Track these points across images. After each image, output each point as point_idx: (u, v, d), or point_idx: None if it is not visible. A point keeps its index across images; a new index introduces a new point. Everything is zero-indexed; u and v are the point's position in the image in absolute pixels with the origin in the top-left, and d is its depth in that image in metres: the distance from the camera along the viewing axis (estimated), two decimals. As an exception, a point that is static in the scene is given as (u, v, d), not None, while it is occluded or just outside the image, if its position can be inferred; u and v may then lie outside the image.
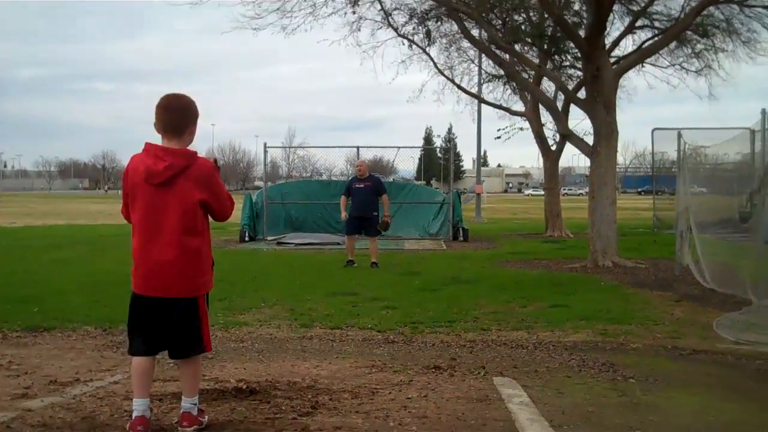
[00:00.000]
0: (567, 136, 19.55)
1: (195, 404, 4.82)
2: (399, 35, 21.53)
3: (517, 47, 20.94)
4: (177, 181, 4.62)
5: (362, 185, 15.56)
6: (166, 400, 5.46)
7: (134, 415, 4.67)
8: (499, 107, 27.74)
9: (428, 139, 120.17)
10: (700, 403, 5.69)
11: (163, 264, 4.65)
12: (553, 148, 26.58)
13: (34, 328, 8.71)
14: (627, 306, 10.50)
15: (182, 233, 4.65)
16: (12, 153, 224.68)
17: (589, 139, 17.30)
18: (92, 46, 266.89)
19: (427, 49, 23.30)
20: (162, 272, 4.66)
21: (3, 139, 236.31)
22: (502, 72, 25.65)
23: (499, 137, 28.88)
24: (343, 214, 16.10)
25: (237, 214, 15.27)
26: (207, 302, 4.86)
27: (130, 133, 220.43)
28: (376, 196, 15.49)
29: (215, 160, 4.97)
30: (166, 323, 4.72)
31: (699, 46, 22.49)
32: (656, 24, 21.59)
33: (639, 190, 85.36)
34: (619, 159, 24.07)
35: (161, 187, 4.63)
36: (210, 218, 4.85)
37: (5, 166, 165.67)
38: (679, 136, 15.01)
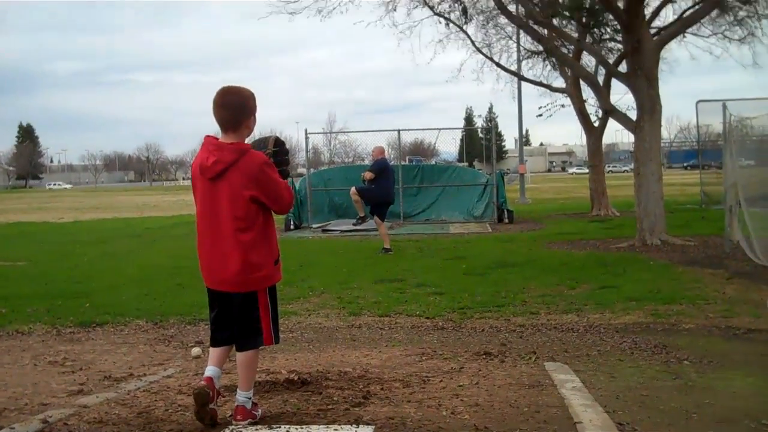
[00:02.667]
0: (609, 111, 19.27)
1: (249, 398, 4.85)
2: (435, 14, 21.42)
3: (555, 21, 20.63)
4: (227, 175, 4.65)
5: None
6: (220, 393, 5.49)
7: (204, 375, 4.82)
8: (540, 84, 27.50)
9: (469, 119, 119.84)
10: (756, 385, 5.59)
11: (219, 258, 4.74)
12: (596, 124, 26.29)
13: (87, 324, 8.85)
14: (677, 285, 10.37)
15: (235, 228, 4.68)
16: (57, 148, 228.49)
17: (632, 114, 17.08)
18: (128, 37, 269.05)
19: (464, 27, 23.19)
20: (218, 266, 4.76)
21: (47, 134, 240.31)
22: (541, 48, 25.37)
23: (540, 115, 28.71)
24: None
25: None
26: (272, 296, 4.87)
27: (173, 125, 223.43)
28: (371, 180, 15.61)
29: (276, 140, 4.98)
30: (228, 315, 4.83)
31: (741, 13, 21.96)
32: (696, -9, 21.20)
33: (685, 164, 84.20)
34: (664, 133, 23.80)
35: (213, 181, 4.69)
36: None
37: (51, 161, 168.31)
38: (724, 107, 14.71)
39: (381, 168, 15.56)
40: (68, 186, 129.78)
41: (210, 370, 4.81)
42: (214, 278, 4.81)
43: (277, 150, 4.98)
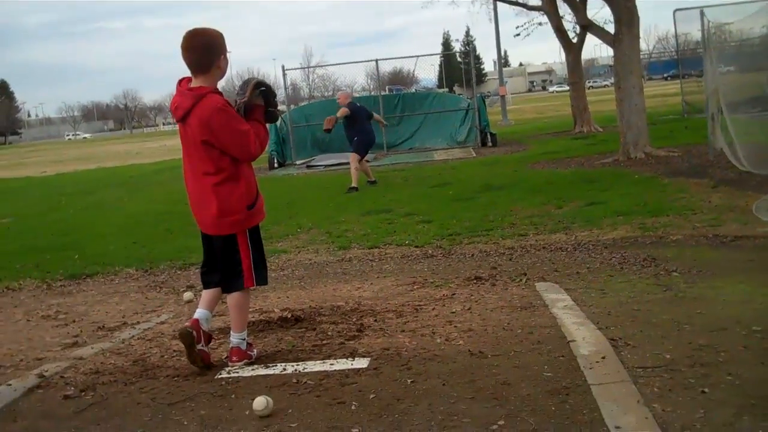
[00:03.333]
0: (587, 26, 19.12)
1: (243, 339, 4.87)
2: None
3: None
4: (188, 120, 4.65)
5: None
6: (213, 336, 5.50)
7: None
8: (515, 3, 27.26)
9: (447, 44, 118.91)
10: (746, 291, 5.63)
11: (197, 200, 4.80)
12: (574, 40, 26.10)
13: (77, 276, 8.83)
14: (663, 197, 10.41)
15: (201, 172, 4.69)
16: (34, 101, 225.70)
17: (610, 28, 16.93)
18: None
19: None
20: (197, 208, 4.82)
21: (23, 89, 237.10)
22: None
23: (518, 35, 28.56)
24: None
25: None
26: (253, 238, 4.84)
27: (149, 70, 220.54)
28: (354, 124, 15.25)
29: (258, 83, 4.88)
30: (214, 257, 4.87)
31: None
32: None
33: (665, 75, 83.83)
34: (642, 45, 23.58)
35: (182, 125, 4.72)
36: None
37: (29, 115, 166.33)
38: (702, 14, 14.56)
39: (353, 113, 15.29)
40: (88, 135, 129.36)
41: (197, 312, 4.83)
42: (197, 219, 4.88)
43: (264, 90, 4.89)
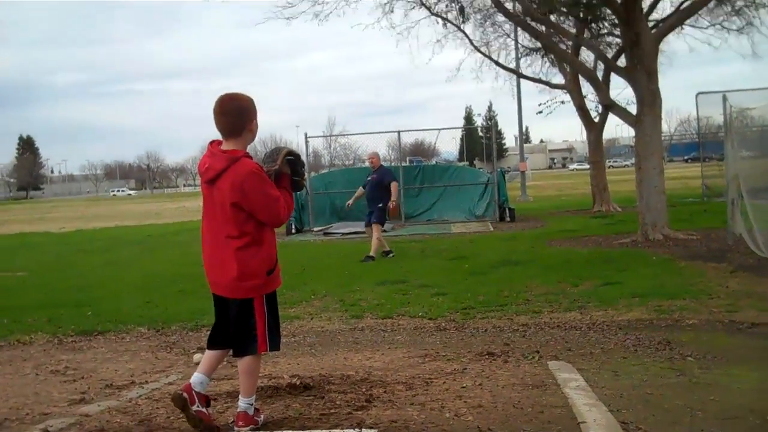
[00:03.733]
0: (609, 106, 19.21)
1: (251, 404, 4.83)
2: (432, 14, 21.42)
3: (552, 17, 20.57)
4: (218, 182, 4.69)
5: (371, 178, 15.28)
6: (221, 400, 5.46)
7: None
8: (539, 81, 27.50)
9: (469, 118, 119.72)
10: (761, 379, 5.56)
11: (216, 261, 4.79)
12: (596, 119, 26.23)
13: (89, 332, 8.82)
14: (681, 280, 10.34)
15: (225, 234, 4.71)
16: (57, 158, 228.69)
17: (632, 109, 17.05)
18: (126, 47, 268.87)
19: (462, 26, 23.21)
20: (214, 270, 4.81)
21: (47, 145, 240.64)
22: (539, 45, 25.36)
23: (540, 112, 28.67)
24: (348, 203, 16.12)
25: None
26: (270, 303, 4.85)
27: (173, 132, 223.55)
28: (382, 189, 14.98)
29: (289, 152, 4.96)
30: (226, 319, 4.85)
31: (739, 3, 21.96)
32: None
33: (686, 157, 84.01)
34: (664, 127, 23.77)
35: (209, 186, 4.76)
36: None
37: (52, 171, 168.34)
38: (724, 99, 14.64)
39: (383, 176, 15.26)
40: (132, 192, 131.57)
41: (193, 377, 4.81)
42: (212, 281, 4.86)
43: (292, 159, 4.96)
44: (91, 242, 23.35)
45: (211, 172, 4.71)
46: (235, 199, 4.65)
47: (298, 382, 5.88)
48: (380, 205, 14.97)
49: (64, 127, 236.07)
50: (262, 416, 4.93)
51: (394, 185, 15.06)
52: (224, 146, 4.79)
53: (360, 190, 15.72)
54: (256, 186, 4.67)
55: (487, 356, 6.66)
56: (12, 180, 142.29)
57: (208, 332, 5.09)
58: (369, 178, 15.36)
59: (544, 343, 7.21)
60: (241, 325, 4.79)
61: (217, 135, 4.88)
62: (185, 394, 4.68)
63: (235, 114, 4.78)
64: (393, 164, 20.51)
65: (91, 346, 8.23)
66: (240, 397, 4.86)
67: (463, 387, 5.63)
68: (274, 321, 4.88)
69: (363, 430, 4.69)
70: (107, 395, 5.97)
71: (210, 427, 4.74)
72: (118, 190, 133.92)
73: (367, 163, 16.44)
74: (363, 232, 20.91)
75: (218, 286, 4.83)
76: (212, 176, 4.70)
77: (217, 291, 4.85)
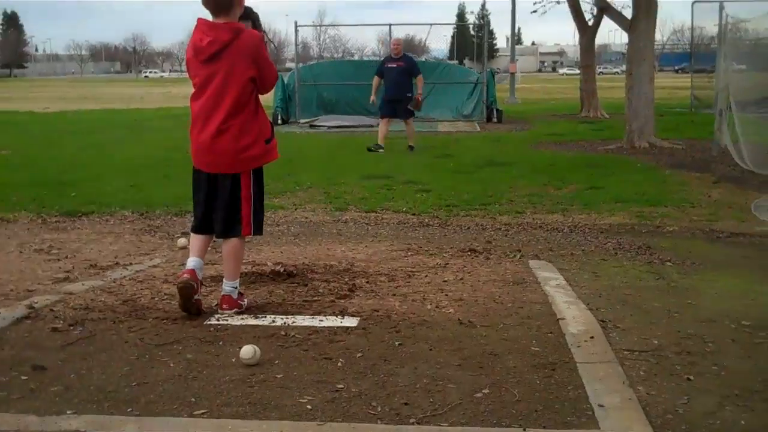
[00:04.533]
0: (604, 8, 18.98)
1: (235, 287, 4.88)
2: None
3: None
4: (223, 56, 4.59)
5: (395, 65, 14.94)
6: (205, 284, 5.48)
7: (186, 267, 4.82)
8: (534, -22, 27.02)
9: (461, 15, 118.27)
10: (739, 286, 5.65)
11: (211, 138, 4.69)
12: (590, 23, 25.85)
13: (73, 213, 8.81)
14: (663, 188, 10.40)
15: (230, 109, 4.64)
16: (42, 36, 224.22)
17: (627, 13, 16.81)
18: None
19: None
20: (208, 146, 4.72)
21: (32, 22, 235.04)
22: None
23: (535, 11, 28.27)
24: (372, 98, 15.73)
25: (269, 97, 15.13)
26: (257, 185, 4.86)
27: (162, 14, 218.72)
28: (409, 77, 14.88)
29: (250, 11, 4.93)
30: (212, 201, 4.83)
31: None
32: None
33: (676, 68, 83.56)
34: (657, 35, 23.41)
35: (208, 63, 4.64)
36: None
37: (36, 50, 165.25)
38: (721, 8, 14.46)
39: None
40: (164, 74, 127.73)
41: (192, 262, 4.80)
42: (202, 159, 4.79)
43: (255, 17, 4.93)
44: (75, 124, 23.10)
45: (216, 45, 4.57)
46: (252, 71, 4.62)
47: (281, 270, 5.94)
48: (408, 95, 14.83)
49: (50, 4, 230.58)
50: (246, 300, 4.99)
51: (420, 78, 14.94)
52: (215, 21, 4.67)
53: (376, 79, 15.35)
54: (264, 54, 4.69)
55: (469, 252, 6.72)
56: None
57: (192, 217, 5.10)
58: (389, 66, 15.06)
59: (526, 243, 7.28)
60: (228, 205, 4.77)
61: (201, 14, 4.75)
62: (194, 284, 4.69)
63: None
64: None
65: (75, 226, 8.22)
66: (224, 280, 4.91)
67: (445, 281, 5.71)
68: (259, 203, 4.89)
69: (345, 317, 4.76)
70: (92, 275, 6.00)
71: (200, 312, 4.79)
72: (151, 72, 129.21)
73: (391, 51, 15.91)
74: (349, 126, 20.85)
75: (211, 163, 4.75)
76: (218, 48, 4.57)
77: (211, 168, 4.77)
